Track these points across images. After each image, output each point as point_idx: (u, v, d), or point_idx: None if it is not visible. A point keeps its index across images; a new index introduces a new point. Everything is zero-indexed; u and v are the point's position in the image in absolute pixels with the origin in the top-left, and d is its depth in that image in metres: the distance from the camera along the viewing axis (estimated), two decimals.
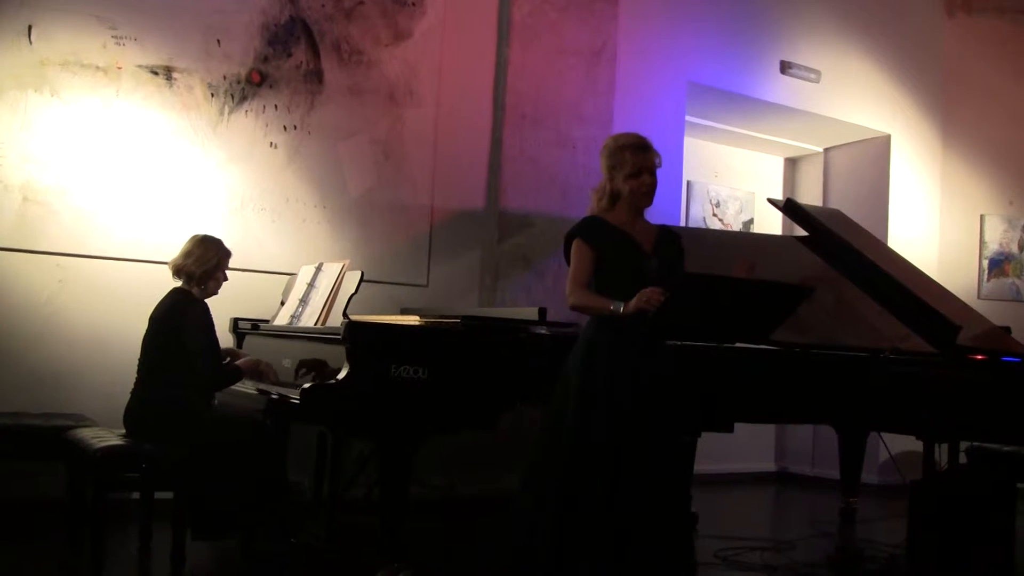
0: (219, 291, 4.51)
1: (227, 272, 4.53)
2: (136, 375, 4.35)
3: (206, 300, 4.43)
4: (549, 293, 6.22)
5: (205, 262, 4.40)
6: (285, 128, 5.77)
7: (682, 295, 3.64)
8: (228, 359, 4.62)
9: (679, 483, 3.65)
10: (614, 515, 3.44)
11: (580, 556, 3.42)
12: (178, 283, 4.44)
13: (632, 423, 3.49)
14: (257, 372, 4.52)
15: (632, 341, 3.55)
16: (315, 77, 5.87)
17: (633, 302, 3.46)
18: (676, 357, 3.77)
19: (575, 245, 3.68)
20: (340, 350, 3.83)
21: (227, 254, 4.50)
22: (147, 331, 4.37)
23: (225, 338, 5.06)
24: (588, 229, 3.68)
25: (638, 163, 3.66)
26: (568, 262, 3.71)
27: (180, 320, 4.27)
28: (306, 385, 3.78)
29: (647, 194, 3.68)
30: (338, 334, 3.84)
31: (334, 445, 4.81)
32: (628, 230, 3.68)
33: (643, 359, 3.57)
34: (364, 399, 3.76)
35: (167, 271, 4.45)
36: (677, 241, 3.82)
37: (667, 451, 3.55)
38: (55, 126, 5.12)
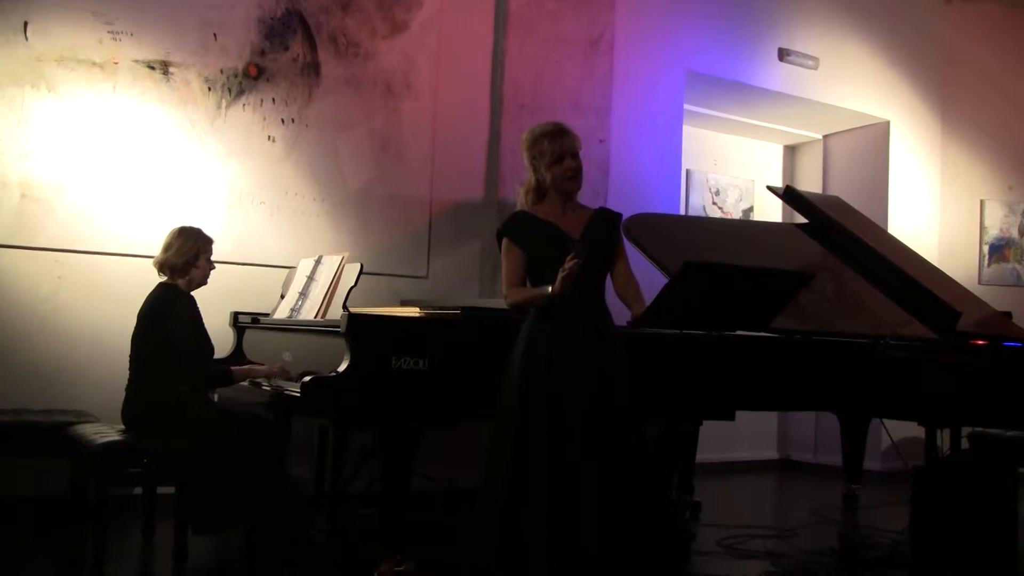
0: (207, 280, 4.49)
1: (214, 261, 4.51)
2: (128, 373, 4.34)
3: (195, 292, 4.43)
4: None
5: (184, 252, 4.38)
6: (283, 121, 5.76)
7: (682, 283, 3.63)
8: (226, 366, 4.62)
9: (634, 475, 3.50)
10: (562, 508, 3.38)
11: (531, 552, 3.38)
12: (164, 279, 4.43)
13: (573, 416, 3.42)
14: (252, 376, 4.51)
15: (571, 333, 3.50)
16: (312, 70, 5.86)
17: (558, 280, 3.39)
18: (665, 346, 3.72)
19: (504, 244, 3.64)
20: (340, 342, 3.82)
21: (207, 241, 4.47)
22: (135, 328, 4.35)
23: (225, 332, 5.07)
24: (515, 226, 3.64)
25: (557, 149, 3.60)
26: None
27: (166, 315, 4.26)
28: (307, 378, 3.78)
29: (573, 178, 3.62)
30: (338, 326, 3.84)
31: (335, 438, 4.80)
32: (556, 221, 3.62)
33: (584, 350, 3.50)
34: (364, 391, 3.75)
35: None
36: (612, 221, 3.75)
37: (615, 443, 3.45)
38: (52, 122, 5.11)
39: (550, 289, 3.43)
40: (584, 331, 3.53)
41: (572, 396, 3.44)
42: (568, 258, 3.37)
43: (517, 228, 3.64)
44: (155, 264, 4.43)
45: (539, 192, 3.68)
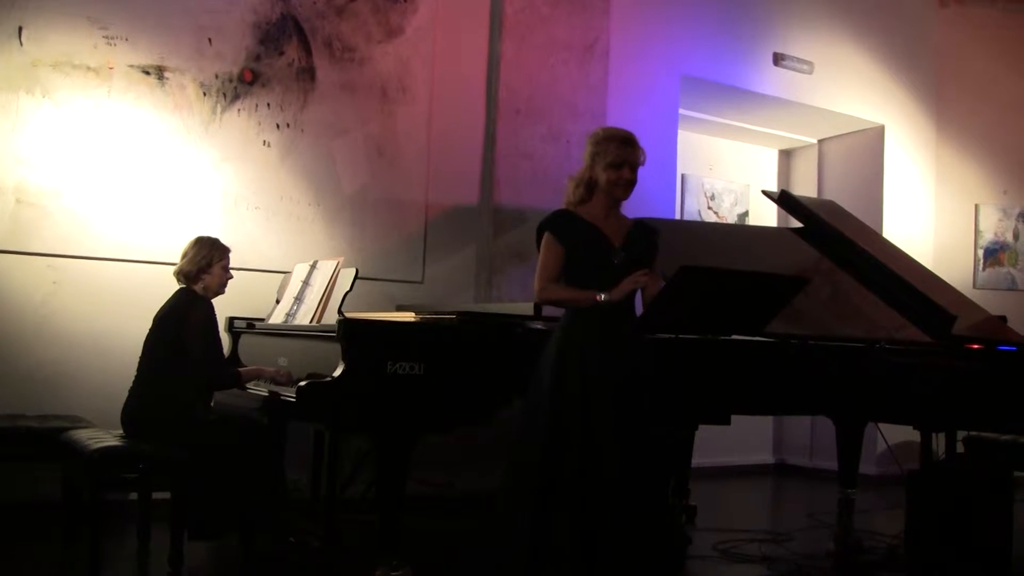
0: (224, 289, 4.51)
1: (231, 270, 4.53)
2: (135, 375, 4.34)
3: (212, 300, 4.45)
4: None
5: (198, 260, 4.41)
6: (278, 126, 5.76)
7: (678, 287, 3.63)
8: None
9: (653, 477, 3.58)
10: (586, 510, 3.41)
11: (556, 553, 3.40)
12: (182, 285, 4.46)
13: (604, 419, 3.45)
14: (260, 378, 4.50)
15: (606, 337, 3.54)
16: (307, 75, 5.86)
17: (625, 284, 3.49)
18: (661, 350, 3.72)
19: (545, 239, 3.67)
20: (336, 347, 3.82)
21: (222, 250, 4.50)
22: (150, 330, 4.37)
23: (221, 337, 5.05)
24: (558, 223, 3.67)
25: (622, 155, 3.63)
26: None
27: (182, 318, 4.28)
28: (302, 383, 3.78)
29: (625, 187, 3.65)
30: (333, 331, 3.84)
31: (331, 443, 4.79)
32: (599, 224, 3.66)
33: (618, 354, 3.54)
34: (360, 396, 3.75)
35: (162, 271, 4.49)
36: (651, 235, 3.78)
37: (639, 446, 3.49)
38: (47, 127, 5.11)
39: (601, 296, 3.51)
40: (621, 335, 3.55)
41: (603, 398, 3.47)
42: (642, 272, 3.53)
43: (560, 225, 3.67)
44: (174, 274, 4.47)
45: (588, 188, 3.70)
